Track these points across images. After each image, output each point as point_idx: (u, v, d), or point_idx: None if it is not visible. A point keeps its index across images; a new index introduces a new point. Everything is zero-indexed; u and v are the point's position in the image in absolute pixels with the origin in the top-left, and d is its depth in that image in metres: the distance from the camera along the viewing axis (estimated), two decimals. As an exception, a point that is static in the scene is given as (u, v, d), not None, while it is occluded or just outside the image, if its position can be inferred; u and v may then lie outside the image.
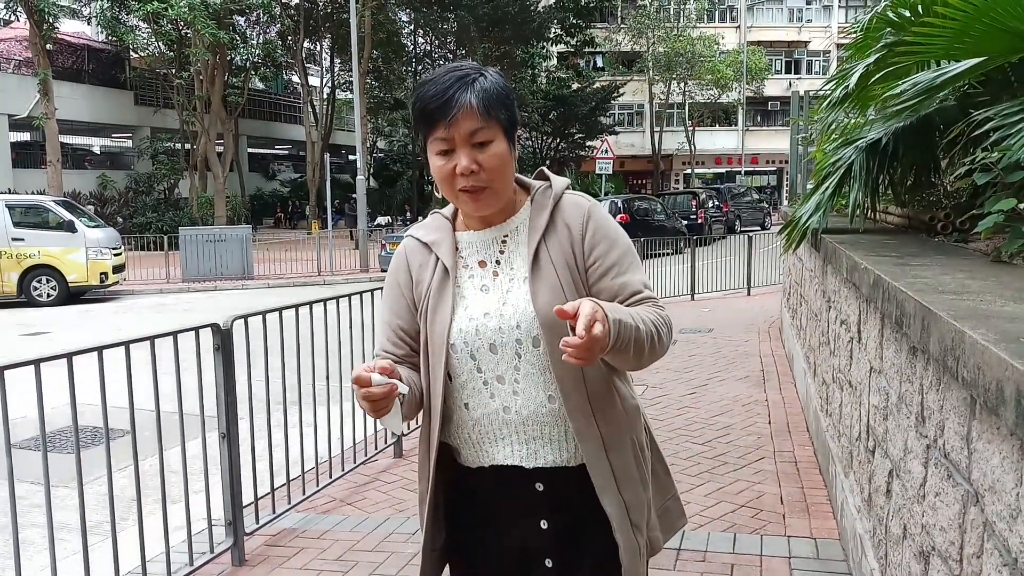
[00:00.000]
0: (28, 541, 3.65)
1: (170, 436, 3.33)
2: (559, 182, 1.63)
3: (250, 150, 40.40)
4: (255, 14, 31.27)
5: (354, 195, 24.11)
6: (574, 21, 35.12)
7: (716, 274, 13.29)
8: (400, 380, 1.41)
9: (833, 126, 4.37)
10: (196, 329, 3.40)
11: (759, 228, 27.29)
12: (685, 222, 23.50)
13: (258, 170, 43.04)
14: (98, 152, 37.84)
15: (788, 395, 5.99)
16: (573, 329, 1.26)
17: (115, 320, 12.43)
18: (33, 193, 20.80)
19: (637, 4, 40.22)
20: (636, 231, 17.56)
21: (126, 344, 3.03)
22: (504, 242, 1.60)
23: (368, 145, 32.87)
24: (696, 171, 44.22)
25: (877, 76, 3.22)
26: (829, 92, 4.00)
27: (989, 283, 1.97)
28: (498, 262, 1.59)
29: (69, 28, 29.53)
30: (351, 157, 37.40)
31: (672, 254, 14.25)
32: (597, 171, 25.04)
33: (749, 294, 12.82)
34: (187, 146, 31.25)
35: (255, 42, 32.08)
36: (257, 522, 3.74)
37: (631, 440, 1.60)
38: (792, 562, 3.27)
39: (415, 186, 36.82)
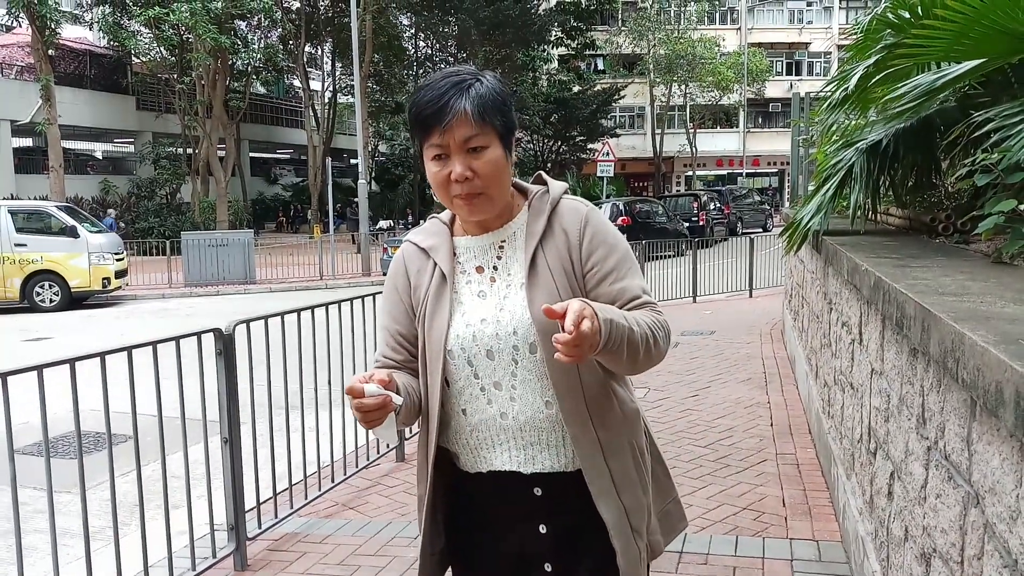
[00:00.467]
0: (31, 547, 3.66)
1: (172, 441, 3.33)
2: (556, 187, 1.62)
3: (252, 154, 40.47)
4: (256, 19, 31.35)
5: (356, 199, 24.12)
6: (575, 24, 35.15)
7: (718, 276, 13.28)
8: (396, 392, 1.41)
9: (834, 128, 4.37)
10: (198, 334, 3.40)
11: (761, 230, 27.28)
12: (687, 224, 23.47)
13: (260, 174, 43.11)
14: (100, 157, 37.89)
15: (790, 397, 5.98)
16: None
17: (117, 325, 12.45)
18: (35, 199, 20.85)
19: (638, 7, 40.26)
20: (638, 234, 17.58)
21: (128, 349, 3.03)
22: (502, 247, 1.59)
23: (369, 149, 32.93)
24: (697, 173, 44.21)
25: (877, 78, 3.22)
26: (829, 94, 4.00)
27: (989, 284, 1.97)
28: (495, 268, 1.59)
29: (71, 34, 29.59)
30: (353, 161, 37.48)
31: (674, 256, 14.25)
32: (598, 174, 25.06)
33: (751, 296, 12.81)
34: (189, 151, 31.30)
35: (256, 47, 32.19)
36: (259, 527, 3.74)
37: (630, 444, 1.59)
38: (794, 564, 3.27)
39: (417, 190, 36.84)
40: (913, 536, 2.00)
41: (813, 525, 3.65)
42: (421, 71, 35.42)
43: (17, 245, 14.44)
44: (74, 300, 14.83)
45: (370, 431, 1.43)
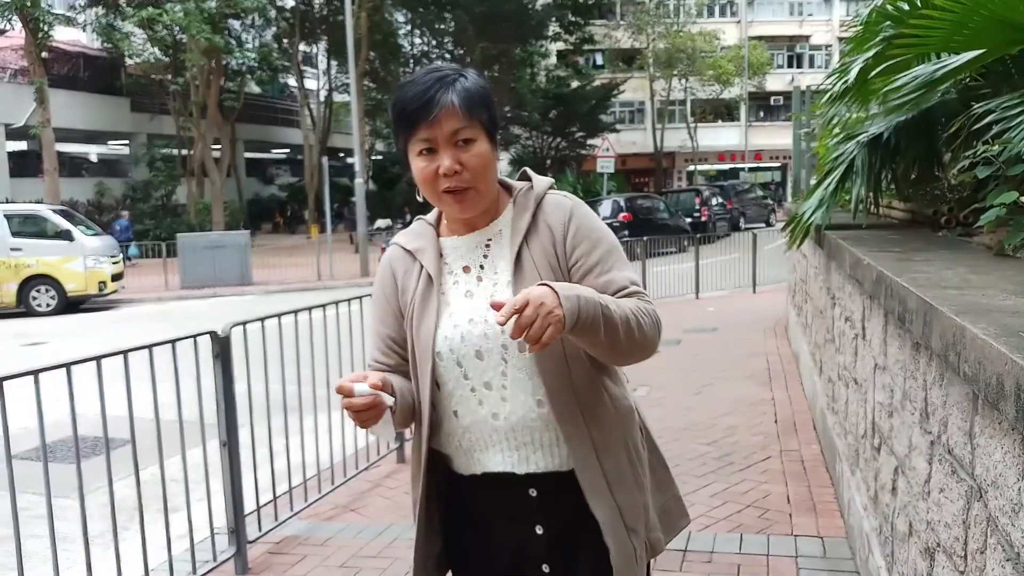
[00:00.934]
0: (31, 552, 3.63)
1: (170, 445, 3.31)
2: (541, 182, 1.61)
3: (247, 155, 40.38)
4: (250, 18, 31.28)
5: (353, 198, 24.09)
6: (573, 19, 35.08)
7: (721, 272, 13.26)
8: (392, 394, 1.41)
9: (835, 121, 4.35)
10: (195, 337, 3.39)
11: (764, 225, 27.26)
12: (689, 220, 23.44)
13: (256, 175, 43.00)
14: (95, 160, 37.82)
15: (794, 393, 5.97)
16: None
17: (114, 329, 12.44)
18: (30, 202, 20.83)
19: (636, 0, 40.18)
20: (639, 230, 17.54)
21: (124, 353, 3.01)
22: (488, 246, 1.58)
23: (366, 148, 32.82)
24: (699, 168, 44.18)
25: (877, 70, 3.20)
26: (830, 87, 3.99)
27: (991, 277, 1.96)
28: (482, 266, 1.58)
29: (64, 36, 29.48)
30: (349, 160, 37.36)
31: (676, 252, 14.24)
32: (599, 170, 25.02)
33: (754, 292, 12.79)
34: (184, 152, 31.25)
35: (251, 46, 32.10)
36: (260, 530, 3.72)
37: (624, 442, 1.58)
38: (799, 561, 3.25)
39: (414, 188, 36.70)
40: (917, 531, 1.98)
41: (818, 521, 3.63)
42: (417, 68, 35.27)
43: (12, 249, 14.41)
44: (70, 304, 14.81)
45: (367, 430, 1.42)
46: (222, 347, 3.41)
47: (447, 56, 33.63)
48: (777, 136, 41.32)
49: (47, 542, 2.72)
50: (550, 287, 1.30)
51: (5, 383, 2.58)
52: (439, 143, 1.45)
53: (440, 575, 1.69)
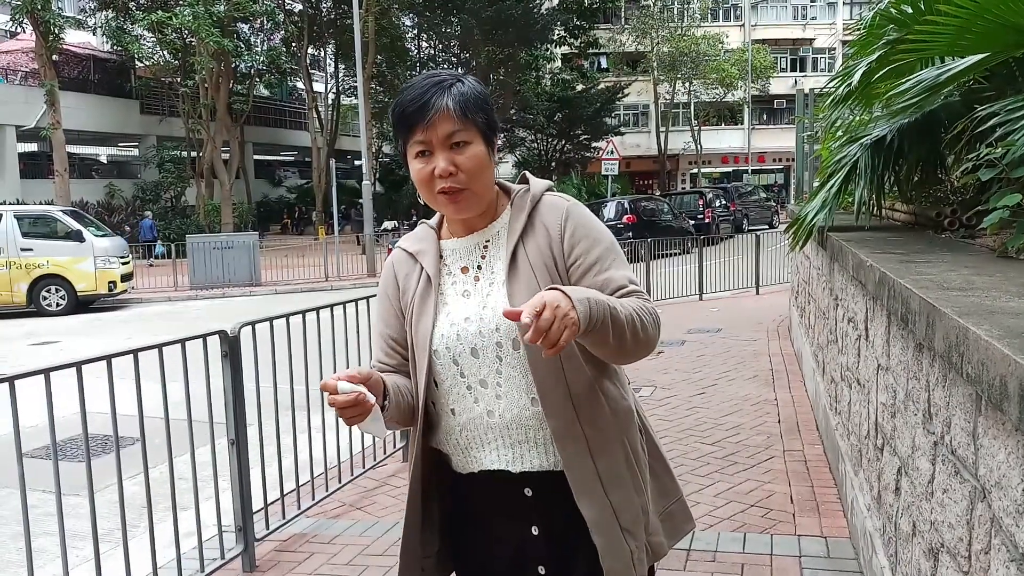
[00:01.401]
0: (41, 549, 3.67)
1: (179, 443, 3.34)
2: (538, 184, 1.63)
3: (256, 157, 40.54)
4: (259, 22, 31.41)
5: (360, 200, 24.15)
6: (577, 23, 35.10)
7: (724, 273, 13.26)
8: (385, 391, 1.44)
9: (838, 124, 4.36)
10: (204, 336, 3.42)
11: (767, 227, 27.16)
12: (692, 222, 23.40)
13: (264, 177, 43.15)
14: (105, 161, 38.03)
15: (797, 394, 5.97)
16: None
17: (124, 328, 12.50)
18: (41, 203, 20.94)
19: (640, 4, 40.18)
20: (643, 232, 17.56)
21: (135, 352, 3.04)
22: (486, 247, 1.61)
23: (373, 150, 32.91)
24: (703, 170, 44.13)
25: (880, 73, 3.21)
26: (833, 90, 3.99)
27: (995, 279, 1.97)
28: (479, 267, 1.60)
29: (74, 39, 29.70)
30: (357, 162, 37.54)
31: (680, 254, 14.22)
32: (603, 172, 25.06)
33: (758, 293, 12.79)
34: (193, 154, 31.38)
35: (259, 49, 32.21)
36: (267, 528, 3.75)
37: (621, 443, 1.57)
38: (803, 561, 3.26)
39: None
40: (921, 531, 1.99)
41: (821, 521, 3.64)
42: (424, 71, 35.36)
43: (23, 250, 14.51)
44: (80, 304, 14.89)
45: (357, 427, 1.43)
46: (231, 347, 3.44)
47: (453, 59, 33.69)
48: (780, 139, 41.27)
49: (57, 539, 2.75)
50: (560, 290, 1.30)
51: (16, 382, 2.61)
52: (435, 145, 1.48)
53: (438, 575, 1.70)
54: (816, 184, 4.65)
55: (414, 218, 33.15)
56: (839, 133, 4.33)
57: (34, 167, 30.12)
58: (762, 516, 3.75)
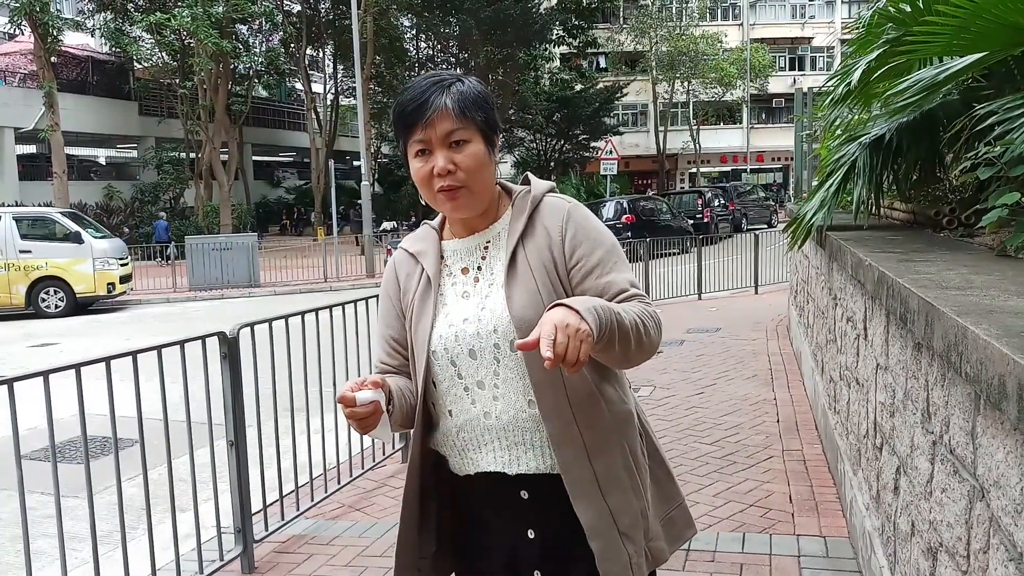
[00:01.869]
0: (39, 551, 3.67)
1: (178, 445, 3.34)
2: (539, 185, 1.63)
3: (255, 158, 40.55)
4: (257, 23, 31.40)
5: (359, 201, 24.15)
6: (576, 22, 35.14)
7: (723, 273, 13.26)
8: (389, 395, 1.45)
9: (837, 123, 4.36)
10: (203, 338, 3.41)
11: (766, 226, 27.20)
12: (691, 221, 23.39)
13: (263, 178, 43.17)
14: (103, 163, 38.03)
15: (796, 393, 5.97)
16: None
17: (123, 330, 12.49)
18: (39, 205, 20.94)
19: (639, 4, 40.20)
20: (642, 231, 17.55)
21: (133, 354, 3.04)
22: (487, 248, 1.61)
23: (372, 151, 32.90)
24: (701, 170, 44.18)
25: (879, 73, 3.21)
26: (832, 89, 3.99)
27: (993, 278, 1.97)
28: (479, 268, 1.60)
29: (73, 40, 29.70)
30: (355, 163, 37.48)
31: (679, 254, 14.22)
32: (602, 172, 25.08)
33: (756, 292, 12.79)
34: (192, 155, 31.38)
35: (258, 50, 32.23)
36: (266, 529, 3.75)
37: (620, 446, 1.57)
38: (802, 561, 3.26)
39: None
40: (920, 531, 1.99)
41: (820, 521, 3.64)
42: (423, 71, 35.34)
43: (22, 252, 14.50)
44: (79, 306, 14.88)
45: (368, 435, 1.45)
46: (230, 348, 3.43)
47: (452, 60, 33.69)
48: (779, 138, 41.29)
49: (55, 541, 2.75)
50: (564, 305, 1.29)
51: (15, 384, 2.61)
52: (434, 144, 1.48)
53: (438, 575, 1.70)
54: (815, 183, 4.65)
55: (413, 219, 33.15)
56: (838, 132, 4.33)
57: (33, 169, 30.12)
58: (761, 516, 3.75)
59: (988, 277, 1.98)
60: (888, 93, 3.16)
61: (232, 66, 30.00)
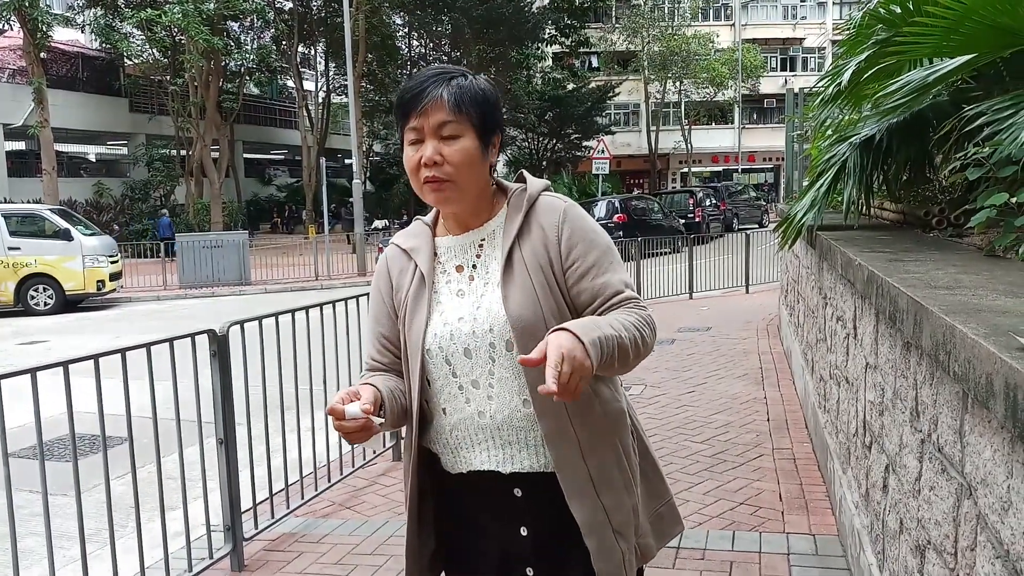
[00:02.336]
0: (27, 550, 3.65)
1: (168, 443, 3.32)
2: (535, 184, 1.63)
3: (246, 155, 40.36)
4: (249, 20, 31.27)
5: (350, 199, 24.11)
6: (568, 21, 35.12)
7: (714, 272, 13.30)
8: (380, 409, 1.44)
9: (827, 123, 4.37)
10: (193, 335, 3.40)
11: (757, 226, 27.30)
12: (683, 221, 23.49)
13: (254, 175, 42.98)
14: (93, 160, 37.77)
15: (786, 392, 6.00)
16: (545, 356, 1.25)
17: (112, 327, 12.43)
18: (29, 202, 20.80)
19: (631, 3, 40.23)
20: (634, 231, 17.60)
21: (122, 351, 3.02)
22: (481, 246, 1.60)
23: (364, 149, 32.86)
24: (693, 170, 44.24)
25: (869, 73, 3.22)
26: (822, 89, 4.01)
27: (982, 277, 1.98)
28: (474, 266, 1.60)
29: (63, 36, 29.48)
30: (347, 161, 37.39)
31: (670, 253, 14.26)
32: (594, 171, 25.08)
33: (747, 292, 12.83)
34: (183, 152, 31.24)
35: (249, 47, 32.08)
36: (256, 527, 3.73)
37: (613, 444, 1.57)
38: (791, 559, 3.27)
39: (412, 189, 36.79)
40: (908, 528, 2.00)
41: (810, 519, 3.66)
42: (415, 70, 35.37)
43: (11, 248, 14.41)
44: (69, 303, 14.80)
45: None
46: (220, 346, 3.42)
47: (444, 58, 33.64)
48: (770, 138, 41.41)
49: (43, 540, 2.73)
50: (571, 332, 1.30)
51: (3, 381, 2.59)
52: (425, 133, 1.49)
53: (434, 575, 1.69)
54: (805, 183, 4.66)
55: (405, 217, 33.10)
56: (828, 132, 4.35)
57: (22, 165, 29.89)
58: (751, 514, 3.76)
59: (976, 277, 1.99)
60: (878, 94, 3.17)
61: (223, 63, 29.88)
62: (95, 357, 2.92)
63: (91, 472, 4.15)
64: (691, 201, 26.32)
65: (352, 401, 1.39)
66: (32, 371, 2.68)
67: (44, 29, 23.29)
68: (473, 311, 1.54)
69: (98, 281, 14.88)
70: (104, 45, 28.61)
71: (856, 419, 2.91)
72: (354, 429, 1.36)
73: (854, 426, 2.97)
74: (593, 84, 36.80)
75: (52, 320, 13.69)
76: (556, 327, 1.33)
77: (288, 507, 3.99)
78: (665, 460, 4.50)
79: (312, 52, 38.62)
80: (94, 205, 28.61)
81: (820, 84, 4.18)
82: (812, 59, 44.89)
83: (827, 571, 3.16)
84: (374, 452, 4.84)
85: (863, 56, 3.27)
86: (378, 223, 28.99)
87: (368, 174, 37.52)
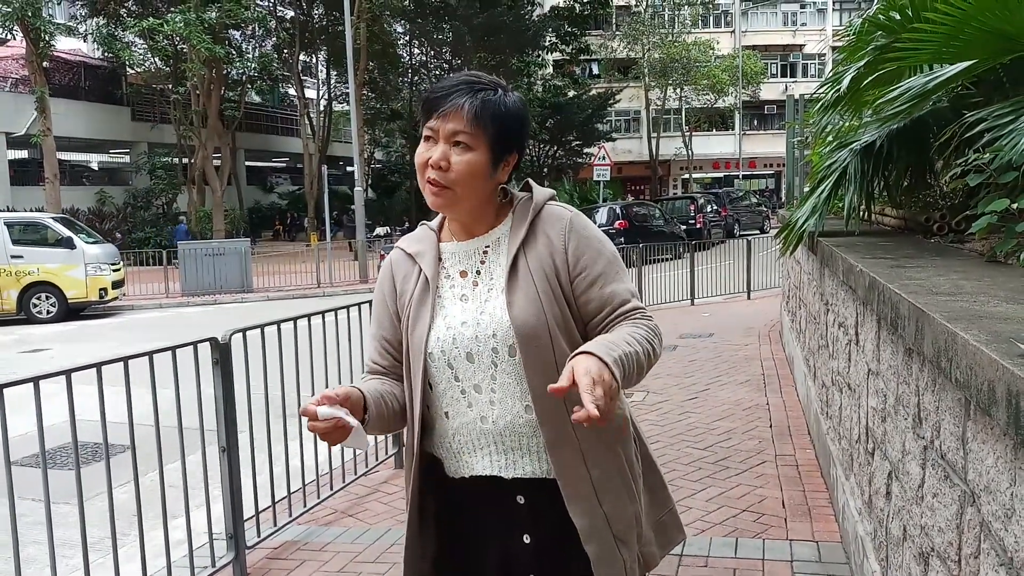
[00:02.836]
0: (30, 559, 3.65)
1: (170, 451, 3.32)
2: (541, 193, 1.64)
3: (248, 163, 40.46)
4: (251, 28, 31.37)
5: (352, 206, 24.15)
6: (569, 29, 35.19)
7: (716, 278, 13.29)
8: (364, 409, 1.46)
9: (828, 129, 4.38)
10: (195, 344, 3.40)
11: (758, 232, 27.30)
12: (684, 227, 23.49)
13: (256, 183, 43.08)
14: (96, 168, 37.85)
15: (789, 398, 5.99)
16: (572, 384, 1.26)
17: (115, 336, 12.43)
18: (31, 210, 20.84)
19: (632, 11, 40.34)
20: (635, 237, 17.62)
21: (125, 360, 3.03)
22: (486, 252, 1.61)
23: (365, 156, 32.90)
24: (694, 176, 44.31)
25: (869, 79, 3.23)
26: (823, 95, 4.01)
27: (983, 284, 1.98)
28: (478, 272, 1.61)
29: (65, 45, 29.57)
30: (349, 168, 37.43)
31: (671, 259, 14.26)
32: (595, 178, 25.11)
33: (749, 298, 12.82)
34: (185, 161, 31.29)
35: (251, 56, 32.17)
36: (259, 535, 3.73)
37: (615, 451, 1.58)
38: (794, 566, 3.27)
39: (413, 196, 36.89)
40: (911, 536, 2.00)
41: (813, 526, 3.65)
42: (416, 78, 35.47)
43: (13, 257, 14.42)
44: (71, 311, 14.80)
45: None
46: (222, 354, 3.42)
47: (445, 66, 33.72)
48: (771, 144, 41.48)
49: (46, 548, 2.73)
50: (597, 357, 1.31)
51: (6, 390, 2.59)
52: (440, 136, 1.51)
53: None
54: (806, 189, 4.67)
55: (407, 224, 33.13)
56: (829, 139, 4.36)
57: (24, 174, 29.94)
58: (754, 521, 3.75)
59: (978, 283, 1.99)
60: (879, 100, 3.17)
61: (225, 71, 29.93)
62: (97, 365, 2.93)
63: (94, 480, 4.15)
64: (692, 207, 26.34)
65: (321, 404, 1.40)
66: (35, 380, 2.68)
67: (47, 38, 23.41)
68: (477, 316, 1.55)
69: (100, 289, 14.90)
70: (106, 54, 28.69)
71: (859, 425, 2.91)
72: (325, 429, 1.37)
73: (856, 432, 2.97)
74: (594, 91, 36.86)
75: (55, 328, 13.71)
76: (577, 351, 1.34)
77: (291, 515, 3.99)
78: (667, 467, 4.49)
79: (314, 60, 38.73)
80: (96, 213, 28.67)
81: (820, 90, 4.19)
82: (812, 65, 44.96)
83: (831, 578, 3.15)
84: (376, 457, 4.84)
85: (863, 62, 3.28)
86: (380, 230, 29.00)
87: (370, 181, 37.55)
